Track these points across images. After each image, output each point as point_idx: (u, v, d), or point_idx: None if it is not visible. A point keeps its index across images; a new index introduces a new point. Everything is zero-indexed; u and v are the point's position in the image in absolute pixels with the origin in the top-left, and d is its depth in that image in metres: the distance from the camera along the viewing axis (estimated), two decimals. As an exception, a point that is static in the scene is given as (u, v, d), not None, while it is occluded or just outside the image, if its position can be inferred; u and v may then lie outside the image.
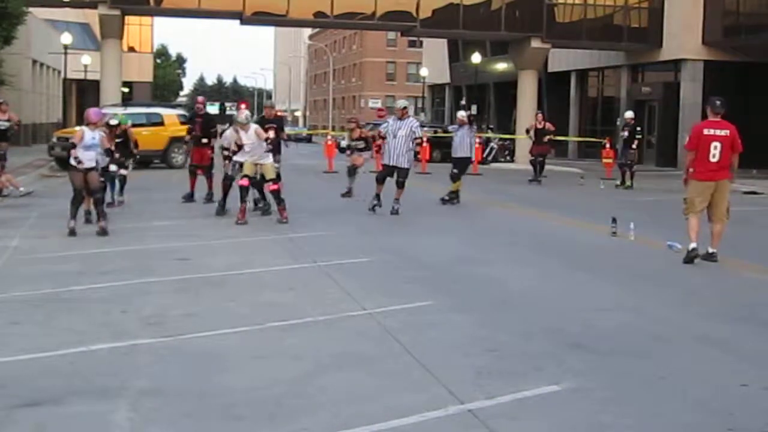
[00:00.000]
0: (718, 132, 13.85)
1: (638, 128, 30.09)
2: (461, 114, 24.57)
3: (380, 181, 20.22)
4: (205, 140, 21.85)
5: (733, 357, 8.51)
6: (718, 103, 14.08)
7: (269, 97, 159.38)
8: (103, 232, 15.29)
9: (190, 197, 21.14)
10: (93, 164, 15.82)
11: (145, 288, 10.64)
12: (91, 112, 16.16)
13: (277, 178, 18.09)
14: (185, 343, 8.54)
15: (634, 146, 29.59)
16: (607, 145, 34.84)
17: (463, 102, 52.03)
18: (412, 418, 6.48)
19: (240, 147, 17.92)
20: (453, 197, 22.37)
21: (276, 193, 17.76)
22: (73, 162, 15.69)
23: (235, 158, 18.14)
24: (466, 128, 23.38)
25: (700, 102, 41.91)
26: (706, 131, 13.95)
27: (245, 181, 17.80)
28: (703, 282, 12.51)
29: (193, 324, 9.19)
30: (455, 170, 22.77)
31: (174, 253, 13.45)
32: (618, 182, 30.15)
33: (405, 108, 20.66)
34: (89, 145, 15.67)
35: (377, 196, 19.98)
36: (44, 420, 6.38)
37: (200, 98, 23.72)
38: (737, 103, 40.51)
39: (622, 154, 30.19)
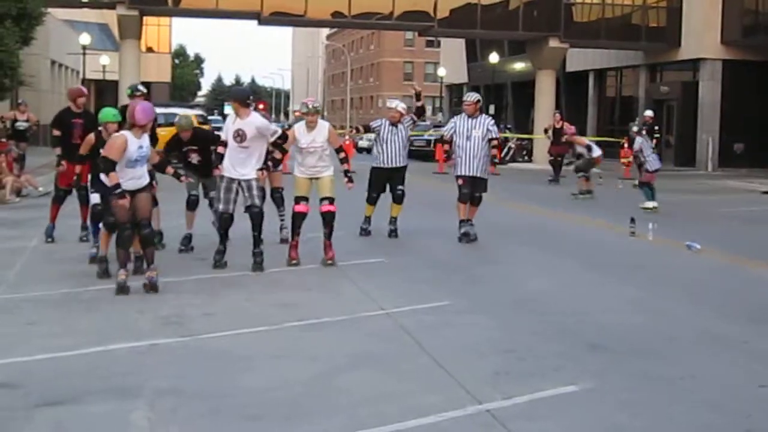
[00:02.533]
0: None
1: (656, 128, 29.97)
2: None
3: (465, 199, 15.63)
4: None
5: (751, 358, 8.48)
6: None
7: (287, 97, 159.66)
8: (152, 287, 10.72)
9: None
10: (143, 183, 11.23)
11: (162, 288, 10.66)
12: (139, 110, 11.01)
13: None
14: (203, 343, 8.56)
15: (652, 146, 29.47)
16: (626, 145, 34.70)
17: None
18: (429, 418, 6.49)
19: (282, 153, 13.19)
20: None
21: (331, 219, 12.95)
22: (107, 182, 11.07)
23: (296, 173, 13.13)
24: None
25: (718, 101, 41.92)
26: None
27: (303, 206, 12.95)
28: (722, 282, 12.46)
29: (210, 324, 9.21)
30: None
31: (194, 254, 13.46)
32: (636, 182, 30.02)
33: (477, 101, 16.04)
34: (136, 159, 10.98)
35: (464, 222, 15.59)
36: (63, 419, 6.41)
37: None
38: (756, 103, 40.54)
39: (641, 154, 30.05)
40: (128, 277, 10.68)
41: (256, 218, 12.31)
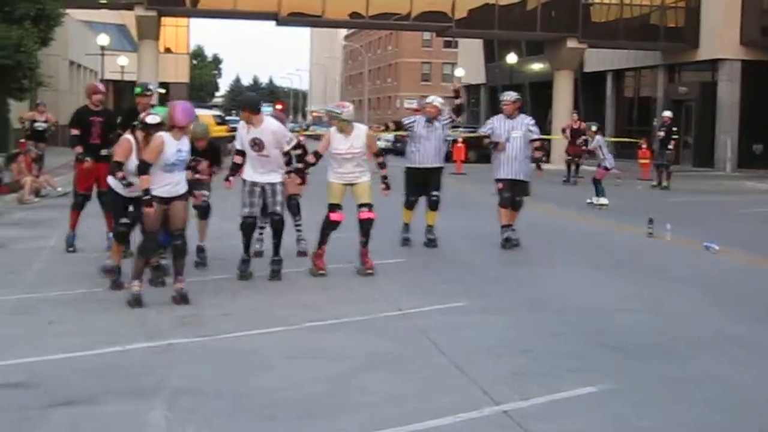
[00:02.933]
0: None
1: (675, 128, 29.87)
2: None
3: (507, 204, 14.89)
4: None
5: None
6: None
7: (305, 98, 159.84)
8: (182, 299, 10.19)
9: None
10: (180, 190, 10.47)
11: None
12: (179, 110, 10.31)
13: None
14: (221, 343, 8.56)
15: (670, 147, 29.36)
16: (644, 146, 34.63)
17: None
18: (447, 419, 6.48)
19: (316, 157, 12.36)
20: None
21: (369, 227, 12.29)
22: (131, 190, 10.77)
23: (330, 179, 12.32)
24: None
25: (737, 102, 41.80)
26: None
27: (339, 215, 12.24)
28: (739, 283, 12.42)
29: (228, 324, 9.21)
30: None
31: (211, 254, 13.47)
32: (655, 183, 29.98)
33: (517, 101, 15.22)
34: (173, 163, 10.26)
35: (506, 227, 14.86)
36: (79, 419, 6.42)
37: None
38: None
39: (659, 154, 30.00)
40: (141, 287, 10.14)
41: (278, 226, 11.81)
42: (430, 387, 7.30)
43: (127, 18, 57.06)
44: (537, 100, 55.18)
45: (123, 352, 8.18)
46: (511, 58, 51.01)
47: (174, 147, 10.20)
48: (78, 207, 13.71)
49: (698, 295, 11.42)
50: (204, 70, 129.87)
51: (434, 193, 14.69)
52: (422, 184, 14.73)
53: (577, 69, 47.81)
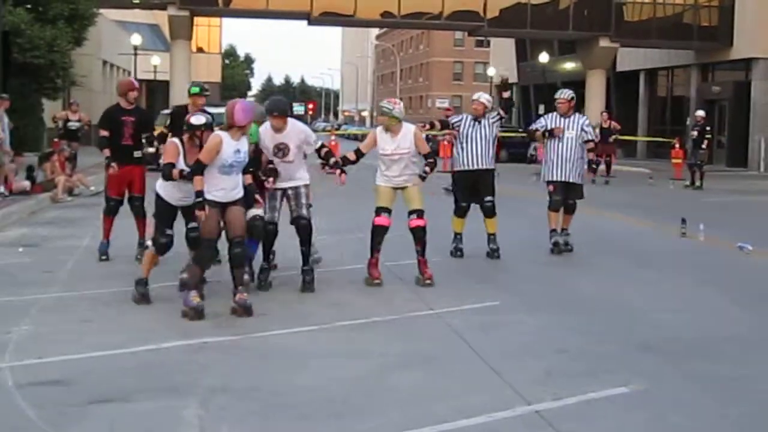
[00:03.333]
0: None
1: (708, 128, 29.73)
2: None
3: (557, 207, 14.37)
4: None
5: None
6: None
7: (336, 97, 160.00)
8: (245, 311, 9.60)
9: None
10: (237, 194, 9.93)
11: (214, 288, 10.65)
12: (239, 109, 9.80)
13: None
14: (254, 341, 8.59)
15: (704, 146, 29.22)
16: (677, 145, 34.49)
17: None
18: (479, 419, 6.48)
19: (357, 156, 11.77)
20: None
21: (422, 235, 11.56)
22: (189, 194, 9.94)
23: (378, 181, 11.70)
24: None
25: (771, 101, 41.51)
26: None
27: (385, 219, 11.58)
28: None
29: (262, 323, 9.23)
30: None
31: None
32: (688, 183, 29.85)
33: (572, 99, 14.60)
34: (230, 165, 9.74)
35: (555, 231, 14.36)
36: (115, 416, 6.46)
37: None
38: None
39: (692, 154, 29.86)
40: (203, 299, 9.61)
41: (305, 231, 11.09)
42: (463, 386, 7.31)
43: (160, 18, 57.37)
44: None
45: (158, 350, 8.22)
46: (543, 58, 50.94)
47: (232, 147, 9.68)
48: (111, 212, 13.01)
49: (732, 295, 11.36)
50: (236, 69, 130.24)
51: (488, 198, 13.67)
52: (472, 189, 13.71)
53: (610, 68, 47.69)
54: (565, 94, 14.57)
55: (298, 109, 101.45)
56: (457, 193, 13.87)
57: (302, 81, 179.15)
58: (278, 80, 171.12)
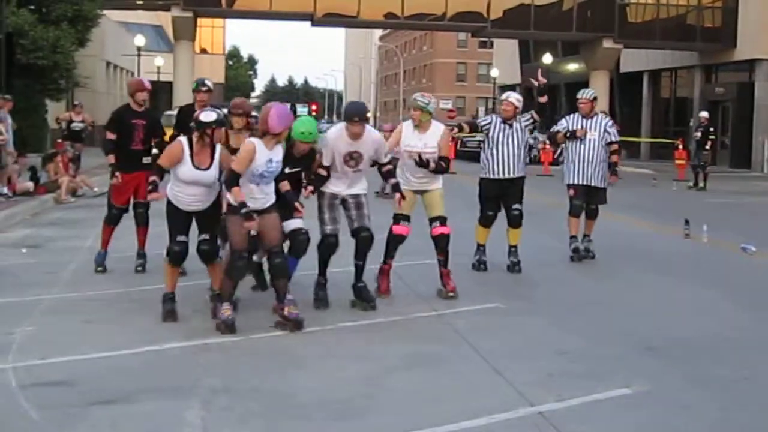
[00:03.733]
0: None
1: (711, 129, 29.72)
2: None
3: (578, 212, 13.77)
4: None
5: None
6: None
7: (339, 98, 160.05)
8: (296, 325, 9.02)
9: None
10: (269, 201, 9.25)
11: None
12: (273, 115, 9.01)
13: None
14: (256, 342, 8.60)
15: (707, 147, 29.22)
16: (680, 146, 34.48)
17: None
18: (481, 420, 6.48)
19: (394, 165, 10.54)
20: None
21: (445, 244, 10.81)
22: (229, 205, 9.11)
23: (394, 185, 10.35)
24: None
25: (775, 102, 41.49)
26: None
27: (404, 227, 10.70)
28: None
29: (264, 324, 9.23)
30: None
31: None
32: (691, 184, 29.84)
33: (594, 99, 14.04)
34: (261, 175, 9.05)
35: (575, 238, 13.73)
36: (117, 417, 6.46)
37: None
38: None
39: (696, 155, 29.88)
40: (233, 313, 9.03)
41: (366, 244, 10.13)
42: (465, 388, 7.31)
43: (163, 19, 57.43)
44: (573, 100, 54.91)
45: (160, 351, 8.23)
46: (547, 59, 50.91)
47: (265, 156, 8.96)
48: (112, 221, 12.19)
49: (735, 297, 11.35)
50: (239, 70, 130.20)
51: (515, 206, 12.57)
52: (499, 197, 12.68)
53: (613, 69, 47.68)
54: (586, 94, 13.97)
55: (301, 110, 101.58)
56: (483, 201, 12.76)
57: (305, 82, 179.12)
58: (281, 81, 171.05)
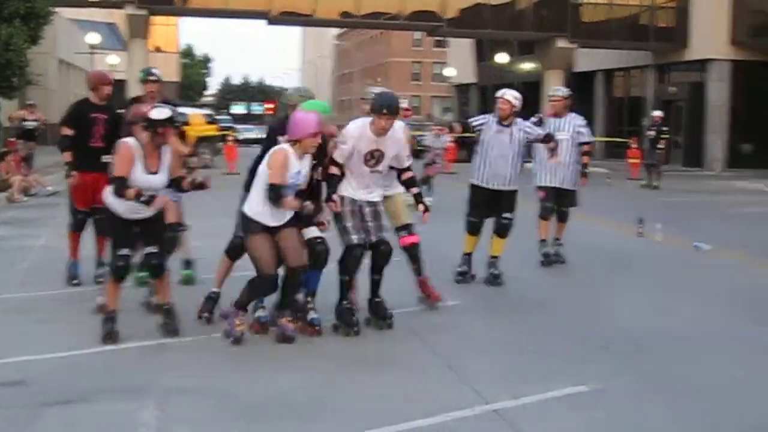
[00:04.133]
0: None
1: (665, 128, 29.93)
2: None
3: (548, 215, 13.26)
4: None
5: (760, 357, 8.49)
6: None
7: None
8: (284, 339, 8.48)
9: None
10: (288, 214, 8.35)
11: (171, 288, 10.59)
12: (297, 120, 8.26)
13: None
14: (211, 343, 8.56)
15: (660, 146, 29.42)
16: (634, 145, 34.69)
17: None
18: (437, 418, 6.50)
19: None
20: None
21: (414, 252, 10.01)
22: (261, 218, 8.30)
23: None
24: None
25: (727, 102, 41.94)
26: None
27: (414, 237, 10.00)
28: (731, 283, 12.45)
29: (221, 324, 9.17)
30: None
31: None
32: (644, 182, 30.05)
33: (567, 98, 13.18)
34: (287, 187, 8.21)
35: (545, 242, 13.23)
36: (73, 418, 6.44)
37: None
38: (765, 103, 40.46)
39: (649, 154, 30.08)
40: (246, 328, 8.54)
41: (385, 259, 9.14)
42: (421, 386, 7.33)
43: (117, 17, 57.04)
44: (527, 99, 55.17)
45: (115, 351, 8.18)
46: (502, 58, 51.06)
47: (295, 167, 8.20)
48: (77, 227, 11.24)
49: (690, 294, 11.46)
50: (194, 69, 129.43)
51: (506, 215, 11.62)
52: (488, 205, 11.70)
53: (568, 69, 47.85)
54: (559, 92, 13.18)
55: (256, 108, 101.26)
56: (470, 206, 11.83)
57: (261, 81, 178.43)
58: (237, 80, 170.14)
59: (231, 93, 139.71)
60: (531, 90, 53.14)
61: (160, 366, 7.72)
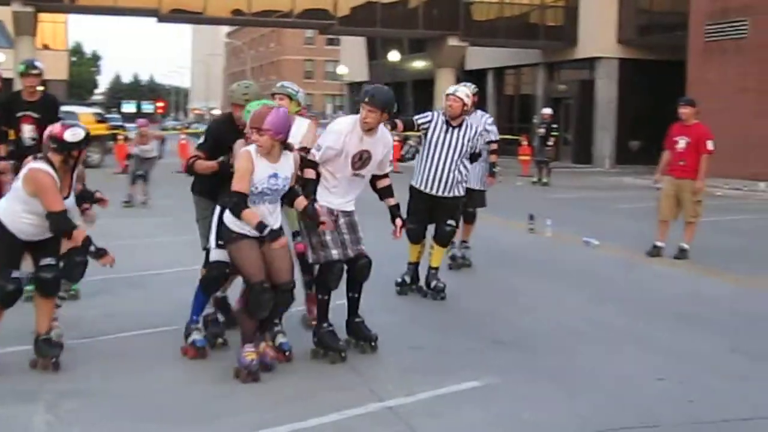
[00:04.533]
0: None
1: (555, 125, 30.32)
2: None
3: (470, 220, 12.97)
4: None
5: (650, 351, 8.64)
6: None
7: (186, 95, 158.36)
8: (249, 374, 7.36)
9: None
10: (275, 223, 7.42)
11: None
12: (269, 117, 7.21)
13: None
14: (104, 344, 8.45)
15: (550, 143, 29.80)
16: (524, 143, 35.08)
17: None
18: (331, 416, 6.52)
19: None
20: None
21: (305, 262, 8.53)
22: (239, 228, 7.38)
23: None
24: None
25: (615, 100, 42.64)
26: None
27: (303, 244, 8.45)
28: (621, 277, 12.67)
29: (111, 325, 9.08)
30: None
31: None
32: (535, 179, 30.41)
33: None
34: (261, 192, 7.32)
35: (453, 243, 12.14)
36: (-40, 424, 6.31)
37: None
38: (651, 101, 41.18)
39: (539, 151, 30.46)
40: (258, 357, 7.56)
41: (365, 274, 8.42)
42: (317, 385, 7.33)
43: (3, 14, 55.94)
44: (420, 97, 55.53)
45: (4, 354, 8.00)
46: (394, 56, 51.28)
47: (266, 171, 7.29)
48: None
49: (580, 289, 11.64)
50: (83, 67, 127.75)
51: (449, 222, 10.79)
52: (429, 211, 10.81)
53: (459, 67, 48.18)
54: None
55: (146, 107, 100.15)
56: (409, 212, 10.60)
57: (151, 79, 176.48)
58: (127, 78, 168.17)
59: (121, 91, 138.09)
60: (423, 88, 53.57)
61: (50, 369, 7.56)
